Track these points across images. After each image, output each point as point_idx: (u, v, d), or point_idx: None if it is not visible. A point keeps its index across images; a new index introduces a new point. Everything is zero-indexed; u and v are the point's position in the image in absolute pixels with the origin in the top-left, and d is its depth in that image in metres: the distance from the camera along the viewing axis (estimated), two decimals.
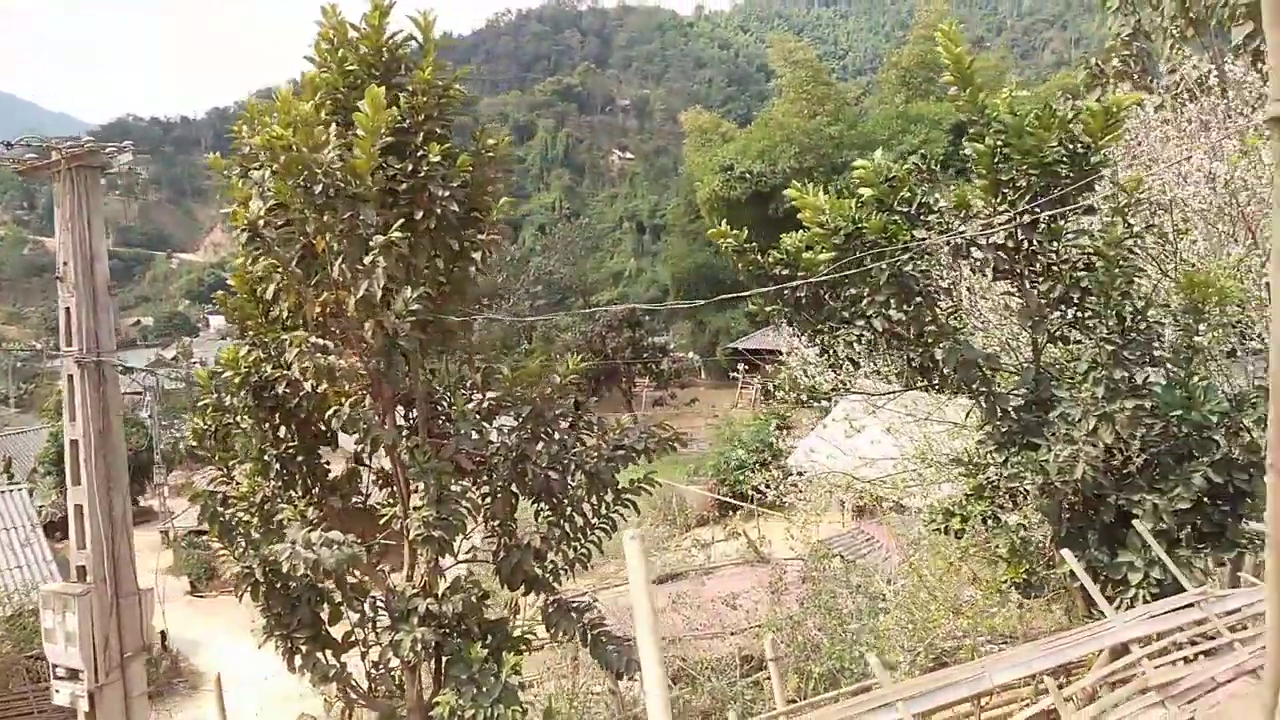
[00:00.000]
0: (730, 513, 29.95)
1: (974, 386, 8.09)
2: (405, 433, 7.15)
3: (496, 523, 7.40)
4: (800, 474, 17.74)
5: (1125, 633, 5.93)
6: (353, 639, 7.28)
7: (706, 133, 55.41)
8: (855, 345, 8.34)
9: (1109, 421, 7.13)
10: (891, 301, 7.76)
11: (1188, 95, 12.10)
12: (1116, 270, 7.11)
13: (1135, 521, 7.21)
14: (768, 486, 19.28)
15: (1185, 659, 5.82)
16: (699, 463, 34.54)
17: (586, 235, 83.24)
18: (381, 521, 7.18)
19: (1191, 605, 6.05)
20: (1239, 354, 8.89)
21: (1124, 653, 5.82)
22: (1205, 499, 7.37)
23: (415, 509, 6.77)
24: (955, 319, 8.39)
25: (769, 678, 8.71)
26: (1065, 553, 7.18)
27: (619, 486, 7.45)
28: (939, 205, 7.81)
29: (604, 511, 7.47)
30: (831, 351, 8.48)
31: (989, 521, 8.39)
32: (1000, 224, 7.50)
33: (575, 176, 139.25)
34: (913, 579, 9.24)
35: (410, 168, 6.48)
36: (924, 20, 50.51)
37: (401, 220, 6.30)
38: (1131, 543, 7.37)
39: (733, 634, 19.72)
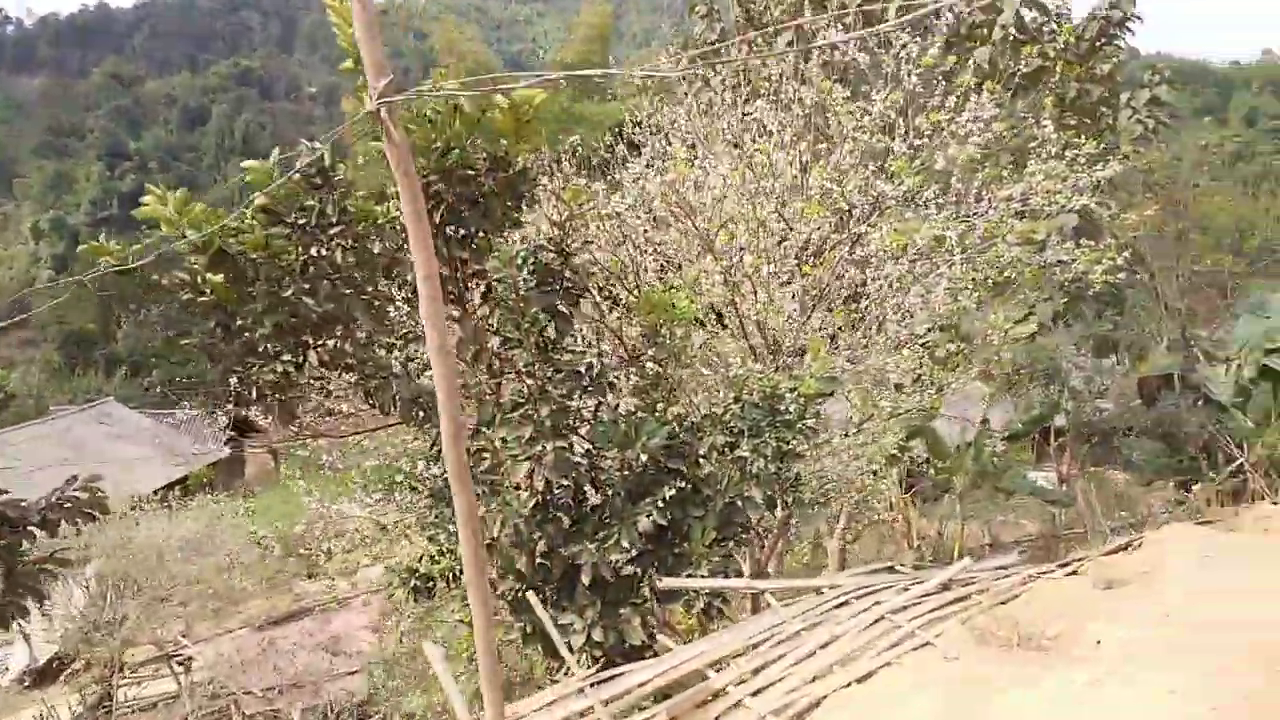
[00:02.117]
0: None
1: (425, 426, 6.95)
2: None
3: None
4: None
5: None
6: None
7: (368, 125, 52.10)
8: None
9: (539, 465, 6.20)
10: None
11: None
12: (526, 294, 6.15)
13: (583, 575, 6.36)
14: None
15: None
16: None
17: None
18: None
19: (581, 691, 5.19)
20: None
21: None
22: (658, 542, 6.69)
23: None
24: (407, 349, 7.19)
25: None
26: (532, 597, 6.22)
27: None
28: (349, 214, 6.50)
29: None
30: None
31: (457, 580, 7.28)
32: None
33: None
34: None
35: None
36: (587, 19, 50.71)
37: None
38: (577, 600, 6.52)
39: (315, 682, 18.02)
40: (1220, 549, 7.12)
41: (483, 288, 6.71)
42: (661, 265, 8.27)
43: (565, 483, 6.91)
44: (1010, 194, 9.18)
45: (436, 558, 7.13)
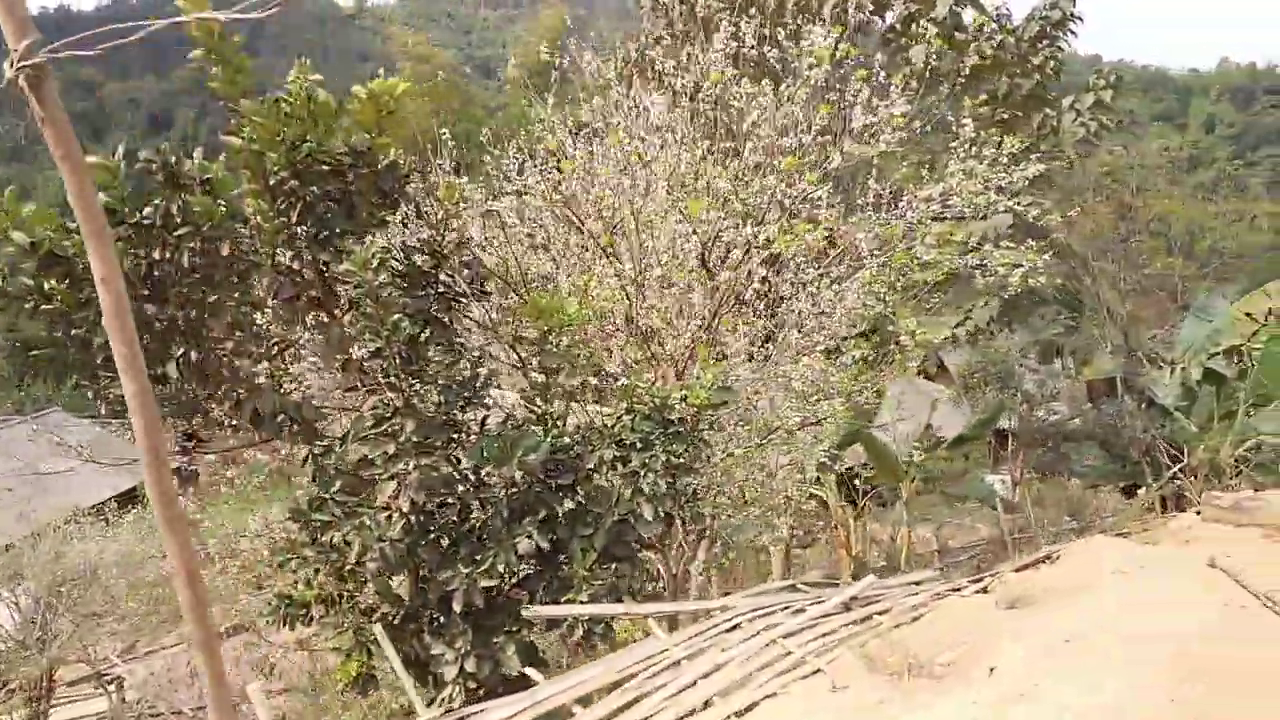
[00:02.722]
0: None
1: (300, 439, 6.48)
2: None
3: None
4: None
5: None
6: None
7: None
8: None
9: (402, 484, 5.75)
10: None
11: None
12: (387, 299, 5.68)
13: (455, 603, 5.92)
14: None
15: None
16: None
17: None
18: None
19: None
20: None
21: None
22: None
23: None
24: (275, 363, 6.71)
25: None
26: (378, 630, 5.77)
27: None
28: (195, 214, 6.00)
29: None
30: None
31: (336, 605, 6.80)
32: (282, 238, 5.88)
33: None
34: None
35: None
36: (545, 23, 50.46)
37: None
38: (450, 628, 6.07)
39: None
40: (1136, 562, 6.79)
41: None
42: (556, 268, 7.84)
43: (450, 501, 6.49)
44: (930, 194, 8.86)
45: (309, 583, 6.65)
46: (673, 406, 6.28)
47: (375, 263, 5.46)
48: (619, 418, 6.56)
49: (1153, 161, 33.68)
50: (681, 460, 6.28)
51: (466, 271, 6.11)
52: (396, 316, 5.61)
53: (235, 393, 6.32)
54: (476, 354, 6.69)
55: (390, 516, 5.93)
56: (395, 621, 6.27)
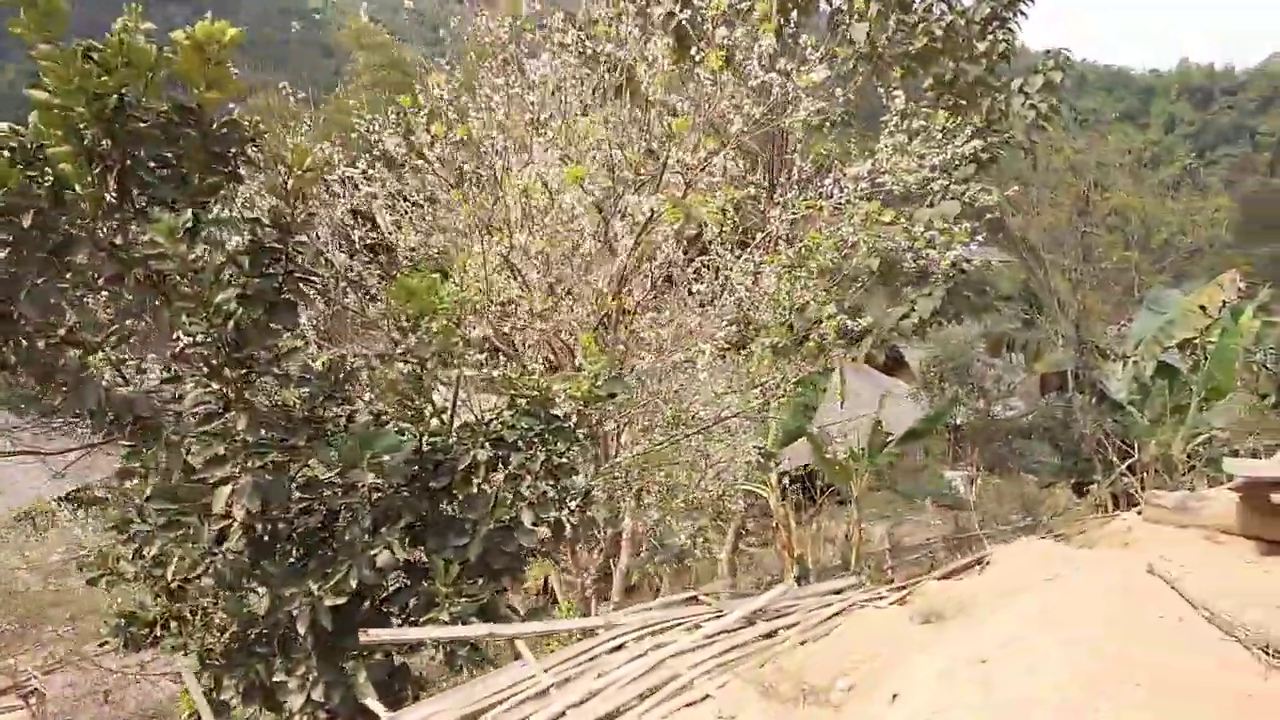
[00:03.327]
0: None
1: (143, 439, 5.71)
2: None
3: None
4: None
5: None
6: None
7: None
8: None
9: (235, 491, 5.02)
10: None
11: None
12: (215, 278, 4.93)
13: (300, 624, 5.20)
14: None
15: None
16: None
17: None
18: None
19: None
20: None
21: None
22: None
23: None
24: (118, 351, 5.94)
25: None
26: (184, 668, 5.06)
27: None
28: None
29: None
30: None
31: (189, 623, 6.05)
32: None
33: None
34: None
35: None
36: (506, 9, 49.51)
37: None
38: (298, 651, 5.35)
39: None
40: (1066, 567, 6.18)
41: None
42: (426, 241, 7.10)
43: (316, 507, 5.78)
44: (858, 172, 8.25)
45: (151, 603, 5.91)
46: (554, 400, 5.60)
47: (184, 233, 4.71)
48: (498, 414, 5.87)
49: (1114, 159, 33.54)
50: (564, 460, 5.60)
51: (300, 251, 5.37)
52: (222, 297, 4.88)
53: (61, 386, 5.56)
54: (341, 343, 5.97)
55: (228, 527, 5.21)
56: (237, 644, 5.55)
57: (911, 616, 5.57)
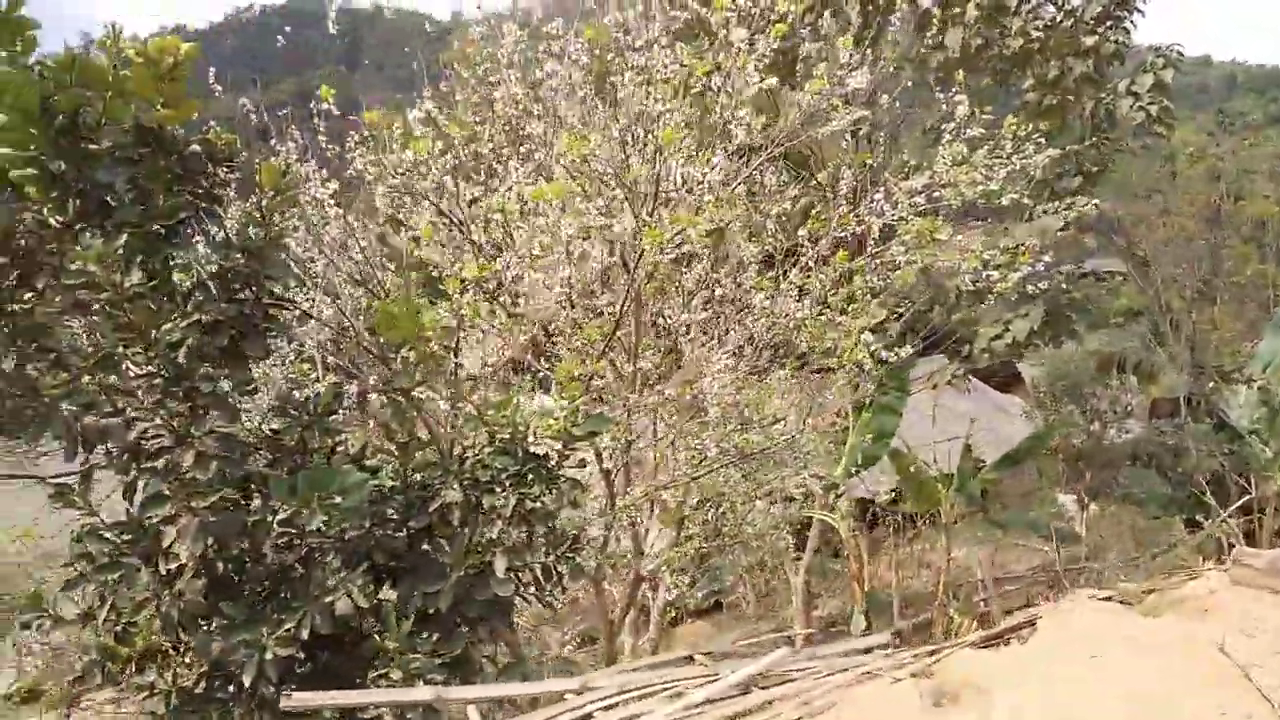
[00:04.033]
0: None
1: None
2: None
3: None
4: None
5: None
6: None
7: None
8: None
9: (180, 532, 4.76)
10: None
11: None
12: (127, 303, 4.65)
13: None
14: None
15: None
16: None
17: None
18: None
19: None
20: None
21: None
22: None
23: None
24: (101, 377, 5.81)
25: None
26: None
27: None
28: None
29: None
30: None
31: (170, 658, 5.87)
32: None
33: None
34: None
35: None
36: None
37: None
38: (236, 708, 5.04)
39: None
40: (1121, 642, 5.31)
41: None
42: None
43: (291, 545, 5.49)
44: (912, 186, 7.54)
45: (123, 638, 5.73)
46: (526, 437, 5.14)
47: (115, 259, 4.47)
48: (479, 450, 5.45)
49: (1262, 166, 30.94)
50: (538, 504, 5.14)
51: (274, 276, 5.08)
52: (167, 327, 4.63)
53: (27, 413, 5.45)
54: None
55: (179, 568, 4.95)
56: (200, 688, 5.29)
57: (922, 695, 4.87)
